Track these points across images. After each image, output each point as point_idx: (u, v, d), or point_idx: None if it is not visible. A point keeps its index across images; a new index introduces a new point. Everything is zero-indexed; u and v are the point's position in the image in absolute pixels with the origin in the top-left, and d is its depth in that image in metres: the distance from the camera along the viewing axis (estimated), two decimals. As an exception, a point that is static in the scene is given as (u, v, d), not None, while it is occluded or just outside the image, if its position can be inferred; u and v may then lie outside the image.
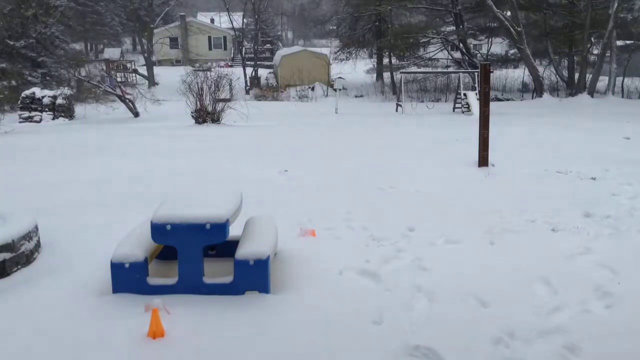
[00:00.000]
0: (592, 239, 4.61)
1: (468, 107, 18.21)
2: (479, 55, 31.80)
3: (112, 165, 8.32)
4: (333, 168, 8.00)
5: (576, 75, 25.96)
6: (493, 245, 4.43)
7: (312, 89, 30.08)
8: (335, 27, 35.27)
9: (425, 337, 2.90)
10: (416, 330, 2.99)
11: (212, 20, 53.47)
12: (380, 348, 2.83)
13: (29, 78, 22.28)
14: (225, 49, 48.74)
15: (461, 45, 29.58)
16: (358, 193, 6.39)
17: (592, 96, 23.41)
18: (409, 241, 4.55)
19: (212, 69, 18.81)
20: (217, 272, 3.58)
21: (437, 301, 3.38)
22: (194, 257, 3.48)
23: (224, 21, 43.95)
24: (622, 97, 24.68)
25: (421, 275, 3.79)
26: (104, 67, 26.57)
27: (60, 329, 3.03)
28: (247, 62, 34.85)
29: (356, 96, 29.61)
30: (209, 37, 48.05)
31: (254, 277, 3.49)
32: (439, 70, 28.44)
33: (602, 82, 25.18)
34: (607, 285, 3.59)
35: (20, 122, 17.52)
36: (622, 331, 3.01)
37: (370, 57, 36.10)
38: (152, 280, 3.52)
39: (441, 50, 30.97)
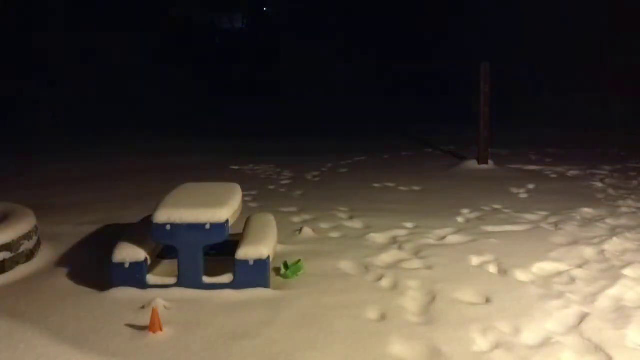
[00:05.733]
0: (592, 234, 4.61)
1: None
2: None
3: (110, 162, 8.33)
4: (332, 166, 8.01)
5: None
6: (493, 241, 4.42)
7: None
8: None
9: (426, 334, 2.90)
10: (417, 327, 2.98)
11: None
12: (380, 344, 2.83)
13: None
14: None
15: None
16: (358, 191, 6.39)
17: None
18: (409, 238, 4.55)
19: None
20: (217, 271, 3.57)
21: (438, 297, 3.38)
22: (193, 257, 3.47)
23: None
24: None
25: (422, 272, 3.79)
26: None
27: (59, 326, 3.02)
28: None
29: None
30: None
31: (254, 276, 3.49)
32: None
33: None
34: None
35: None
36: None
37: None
38: (152, 280, 3.52)
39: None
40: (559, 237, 4.54)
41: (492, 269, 3.90)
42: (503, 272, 3.83)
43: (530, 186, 6.58)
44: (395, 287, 3.55)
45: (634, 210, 5.42)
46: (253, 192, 6.27)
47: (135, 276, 3.46)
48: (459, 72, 13.90)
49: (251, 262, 3.49)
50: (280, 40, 20.94)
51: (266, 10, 23.39)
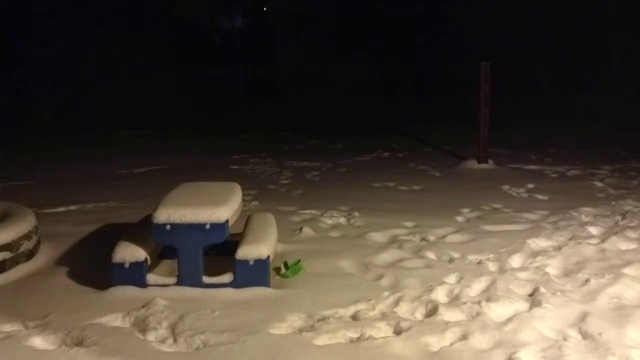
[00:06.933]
0: (592, 233, 4.63)
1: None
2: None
3: (110, 162, 8.33)
4: (332, 165, 8.01)
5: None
6: (493, 240, 4.42)
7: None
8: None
9: (426, 333, 2.90)
10: (417, 326, 2.98)
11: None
12: (380, 343, 2.82)
13: None
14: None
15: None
16: (358, 190, 6.39)
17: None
18: (409, 237, 4.56)
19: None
20: (217, 271, 3.57)
21: (439, 297, 3.39)
22: (193, 257, 3.47)
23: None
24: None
25: (422, 271, 3.79)
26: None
27: (59, 325, 3.02)
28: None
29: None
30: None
31: (254, 276, 3.49)
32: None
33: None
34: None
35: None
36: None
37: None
38: (152, 279, 3.51)
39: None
40: (559, 236, 4.54)
41: (492, 267, 3.91)
42: (503, 270, 3.83)
43: (530, 185, 6.58)
44: (395, 285, 3.55)
45: (634, 209, 5.42)
46: (253, 192, 6.26)
47: (135, 276, 3.46)
48: (458, 72, 13.90)
49: (251, 262, 3.49)
50: (279, 40, 20.95)
51: (266, 10, 23.39)
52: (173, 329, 2.98)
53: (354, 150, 9.28)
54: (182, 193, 3.82)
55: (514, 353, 2.71)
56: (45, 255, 4.15)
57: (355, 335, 2.93)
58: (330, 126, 12.35)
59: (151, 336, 2.94)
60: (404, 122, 12.62)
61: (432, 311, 3.19)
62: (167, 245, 3.68)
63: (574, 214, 5.23)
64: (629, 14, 14.76)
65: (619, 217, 5.11)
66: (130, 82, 15.69)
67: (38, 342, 2.88)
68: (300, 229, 4.73)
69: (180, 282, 3.48)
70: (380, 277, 3.70)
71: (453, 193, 6.21)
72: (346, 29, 19.43)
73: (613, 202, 5.71)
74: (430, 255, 4.14)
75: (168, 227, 3.41)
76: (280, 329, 2.99)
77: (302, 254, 4.02)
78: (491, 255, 4.09)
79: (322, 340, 2.87)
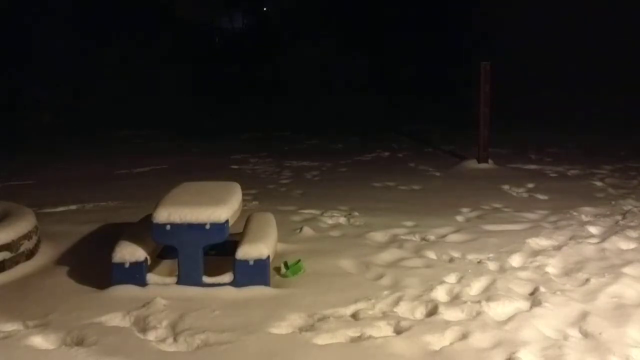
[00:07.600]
0: (592, 233, 4.64)
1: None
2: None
3: (110, 162, 8.32)
4: (332, 165, 8.00)
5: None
6: (493, 240, 4.42)
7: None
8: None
9: (426, 332, 2.90)
10: (417, 325, 2.98)
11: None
12: (380, 343, 2.82)
13: None
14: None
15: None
16: (358, 190, 6.39)
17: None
18: (409, 237, 4.56)
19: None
20: (217, 271, 3.57)
21: (438, 296, 3.39)
22: (193, 257, 3.47)
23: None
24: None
25: (422, 271, 3.79)
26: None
27: (59, 324, 3.02)
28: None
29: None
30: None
31: (254, 276, 3.49)
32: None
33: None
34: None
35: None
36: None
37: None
38: (152, 279, 3.51)
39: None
40: (559, 235, 4.54)
41: (492, 267, 3.91)
42: (503, 270, 3.83)
43: (530, 185, 6.58)
44: (395, 285, 3.55)
45: (634, 209, 5.42)
46: (253, 191, 6.26)
47: (135, 275, 3.46)
48: (459, 72, 13.91)
49: (251, 262, 3.49)
50: (280, 39, 20.95)
51: (266, 10, 23.38)
52: (173, 329, 2.98)
53: (354, 150, 9.28)
54: (182, 193, 3.82)
55: (514, 352, 2.71)
56: (45, 255, 4.15)
57: (356, 335, 2.93)
58: (330, 126, 12.33)
59: (151, 335, 2.94)
60: (404, 122, 12.60)
61: (432, 310, 3.19)
62: (167, 245, 3.68)
63: (574, 213, 5.23)
64: (628, 14, 14.77)
65: (619, 217, 5.11)
66: (130, 82, 15.68)
67: (38, 341, 2.88)
68: (300, 229, 4.73)
69: (180, 282, 3.48)
70: (380, 277, 3.70)
71: (453, 193, 6.21)
72: (347, 29, 19.42)
73: (613, 202, 5.71)
74: (431, 254, 4.15)
75: (168, 227, 3.41)
76: (280, 329, 2.99)
77: (302, 254, 4.02)
78: (491, 255, 4.09)
79: (322, 339, 2.87)
